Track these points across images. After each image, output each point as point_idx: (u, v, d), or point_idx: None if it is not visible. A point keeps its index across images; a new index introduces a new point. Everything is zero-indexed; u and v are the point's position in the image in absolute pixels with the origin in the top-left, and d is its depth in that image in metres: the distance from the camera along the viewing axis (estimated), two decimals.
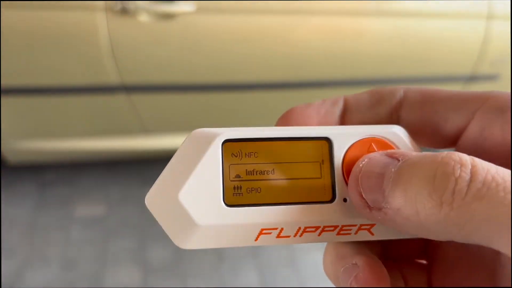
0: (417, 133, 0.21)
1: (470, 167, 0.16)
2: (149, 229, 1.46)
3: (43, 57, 1.18)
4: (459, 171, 0.16)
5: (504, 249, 0.15)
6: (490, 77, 1.42)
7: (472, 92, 0.20)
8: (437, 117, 0.20)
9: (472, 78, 1.41)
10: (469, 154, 0.18)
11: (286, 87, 1.32)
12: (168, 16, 1.14)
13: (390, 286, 0.20)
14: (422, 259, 0.24)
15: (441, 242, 0.23)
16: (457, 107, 0.20)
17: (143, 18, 1.13)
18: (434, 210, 0.16)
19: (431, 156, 0.17)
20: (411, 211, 0.16)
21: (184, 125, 1.39)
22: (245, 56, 1.24)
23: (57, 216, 1.49)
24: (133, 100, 1.28)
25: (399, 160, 0.17)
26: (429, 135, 0.21)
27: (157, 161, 1.63)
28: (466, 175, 0.15)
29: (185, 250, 1.41)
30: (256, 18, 1.20)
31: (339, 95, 0.22)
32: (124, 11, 1.11)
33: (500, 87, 1.47)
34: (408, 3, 1.24)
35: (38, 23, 1.12)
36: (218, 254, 1.42)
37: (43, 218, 1.48)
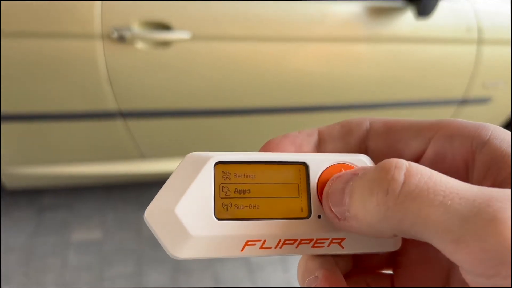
0: (383, 159, 0.24)
1: (404, 170, 0.18)
2: (146, 254, 1.46)
3: (41, 85, 1.19)
4: (393, 173, 0.18)
5: (434, 243, 0.16)
6: (483, 100, 1.44)
7: (428, 121, 0.22)
8: (399, 145, 0.23)
9: (465, 101, 1.43)
10: None
11: (281, 112, 1.34)
12: (164, 44, 1.17)
13: None
14: (388, 268, 0.27)
15: (405, 251, 0.25)
16: (415, 136, 0.22)
17: (140, 46, 1.16)
18: (375, 210, 0.18)
19: (377, 165, 0.19)
20: (363, 214, 0.19)
21: (180, 150, 1.40)
22: (240, 81, 1.26)
23: (54, 241, 1.49)
24: (129, 125, 1.29)
25: (358, 175, 0.20)
26: None
27: (153, 185, 1.64)
28: (400, 177, 0.17)
29: (180, 275, 1.40)
30: (250, 45, 1.22)
31: (313, 127, 0.25)
32: (121, 39, 1.13)
33: (493, 109, 1.49)
34: (401, 29, 1.27)
35: (36, 51, 1.14)
36: (214, 279, 1.42)
37: (40, 243, 1.48)
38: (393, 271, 0.26)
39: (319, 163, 0.23)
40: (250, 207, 0.22)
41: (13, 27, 1.11)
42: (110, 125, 1.29)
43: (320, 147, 0.25)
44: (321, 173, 0.23)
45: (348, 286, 0.23)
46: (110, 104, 1.23)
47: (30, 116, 1.25)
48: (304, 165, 0.23)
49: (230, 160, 0.22)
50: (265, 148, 0.24)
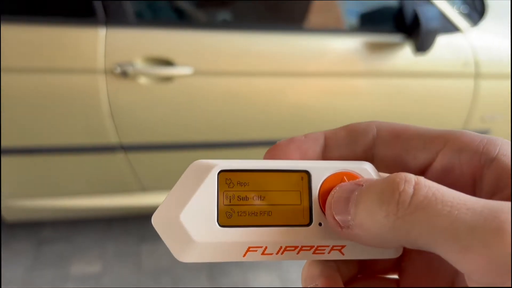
0: (389, 168, 0.24)
1: (413, 183, 0.18)
2: (146, 287, 1.45)
3: (43, 118, 1.20)
4: (403, 186, 0.18)
5: (442, 253, 0.17)
6: (481, 133, 1.45)
7: (436, 132, 0.23)
8: (406, 155, 0.23)
9: None
10: None
11: None
12: (167, 79, 1.18)
13: None
14: (393, 273, 0.27)
15: (409, 256, 0.26)
16: (423, 147, 0.22)
17: (142, 81, 1.17)
18: (385, 220, 0.18)
19: (384, 177, 0.20)
20: (370, 224, 0.19)
21: None
22: (240, 115, 1.27)
23: (52, 274, 1.48)
24: (130, 158, 1.30)
25: (362, 186, 0.20)
26: (400, 169, 0.23)
27: None
28: (410, 189, 0.18)
29: None
30: (250, 80, 1.24)
31: (319, 131, 0.25)
32: (124, 75, 1.15)
33: None
34: (400, 64, 1.29)
35: (39, 85, 1.15)
36: None
37: (39, 276, 1.47)
38: (398, 276, 0.26)
39: (321, 171, 0.23)
40: (253, 214, 0.22)
41: (17, 62, 1.13)
42: (111, 158, 1.30)
43: (326, 153, 0.25)
44: (323, 181, 0.23)
45: None
46: (112, 138, 1.24)
47: (31, 149, 1.26)
48: (306, 173, 0.23)
49: (233, 169, 0.23)
50: (271, 152, 0.24)
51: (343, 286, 0.23)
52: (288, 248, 0.22)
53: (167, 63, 1.17)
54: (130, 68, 1.14)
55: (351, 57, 1.28)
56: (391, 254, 0.23)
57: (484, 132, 1.45)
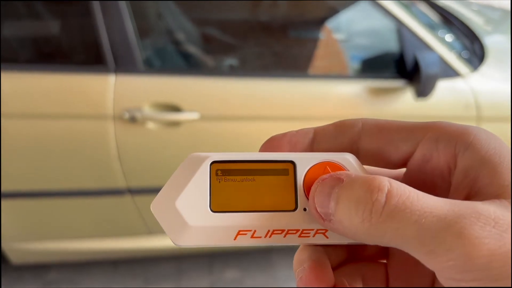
0: (373, 159, 0.25)
1: (386, 192, 0.20)
2: None
3: (53, 163, 1.23)
4: (376, 195, 0.20)
5: (412, 254, 0.19)
6: None
7: (417, 124, 0.24)
8: (389, 147, 0.24)
9: None
10: (415, 174, 0.23)
11: None
12: (174, 124, 1.21)
13: (331, 287, 0.23)
14: (382, 259, 0.28)
15: None
16: (405, 138, 0.24)
17: (150, 126, 1.20)
18: (360, 224, 0.20)
19: (362, 180, 0.21)
20: (348, 223, 0.21)
21: None
22: None
23: None
24: (137, 202, 1.31)
25: (343, 181, 0.22)
26: (383, 160, 0.25)
27: (159, 261, 1.63)
28: (382, 199, 0.19)
29: None
30: (255, 124, 1.26)
31: (311, 127, 0.27)
32: (132, 120, 1.18)
33: None
34: (402, 107, 1.31)
35: (50, 131, 1.18)
36: None
37: None
38: (386, 261, 0.27)
39: (305, 161, 0.25)
40: (243, 201, 0.24)
41: (29, 108, 1.16)
42: (118, 201, 1.31)
43: (314, 146, 0.26)
44: (308, 171, 0.25)
45: (333, 276, 0.24)
46: (119, 182, 1.26)
47: (39, 193, 1.28)
48: (292, 163, 0.25)
49: (225, 160, 0.24)
50: (265, 145, 0.26)
51: (330, 269, 0.24)
52: (275, 232, 0.24)
53: (174, 108, 1.20)
54: (138, 114, 1.17)
55: (354, 101, 1.30)
56: None
57: None
